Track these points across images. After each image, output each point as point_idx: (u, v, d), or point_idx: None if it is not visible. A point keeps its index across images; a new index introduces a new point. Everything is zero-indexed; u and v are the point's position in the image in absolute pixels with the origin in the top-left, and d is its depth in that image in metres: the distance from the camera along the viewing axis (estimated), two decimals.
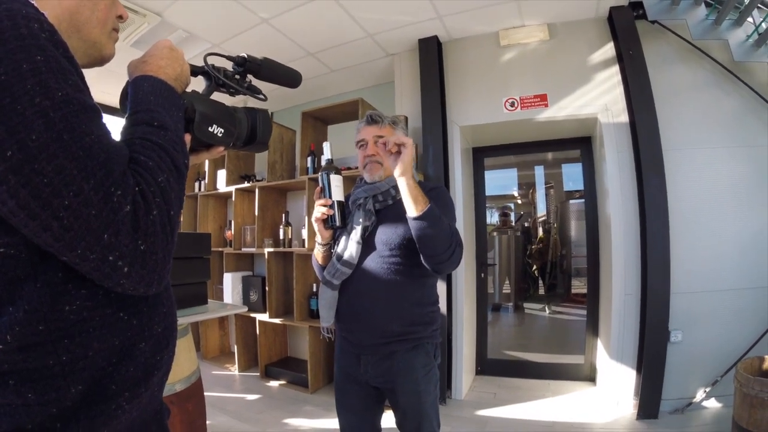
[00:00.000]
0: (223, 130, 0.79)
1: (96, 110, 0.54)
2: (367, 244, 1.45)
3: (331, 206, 1.40)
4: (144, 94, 0.65)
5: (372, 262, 1.43)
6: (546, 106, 3.08)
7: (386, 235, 1.42)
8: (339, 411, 1.58)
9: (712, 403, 2.76)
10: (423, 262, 1.35)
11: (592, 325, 3.51)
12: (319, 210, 1.41)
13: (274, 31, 3.15)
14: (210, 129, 0.77)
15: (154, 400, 0.68)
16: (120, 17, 0.74)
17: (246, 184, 4.03)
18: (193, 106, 0.73)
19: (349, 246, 1.45)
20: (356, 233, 1.45)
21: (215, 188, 4.36)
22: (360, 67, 3.70)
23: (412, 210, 1.28)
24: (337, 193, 1.41)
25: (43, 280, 0.52)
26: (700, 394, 2.74)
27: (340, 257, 1.46)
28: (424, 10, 2.93)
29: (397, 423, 1.51)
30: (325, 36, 3.24)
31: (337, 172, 1.43)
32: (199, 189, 4.55)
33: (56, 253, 0.50)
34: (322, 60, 3.59)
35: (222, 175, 4.30)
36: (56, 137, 0.48)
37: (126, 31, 3.05)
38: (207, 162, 4.29)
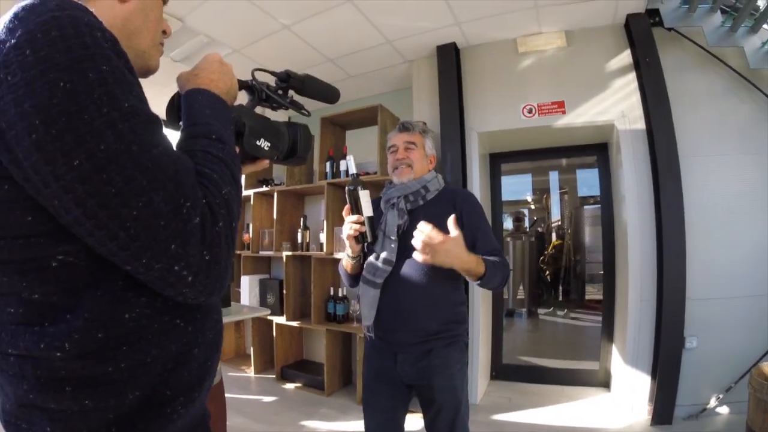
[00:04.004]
0: (269, 144, 0.82)
1: (159, 122, 0.55)
2: (404, 245, 1.48)
3: (363, 222, 1.44)
4: (200, 107, 0.66)
5: (410, 264, 1.47)
6: (564, 113, 3.09)
7: None
8: (367, 410, 1.60)
9: (726, 410, 2.75)
10: None
11: (608, 331, 3.49)
12: (352, 227, 1.44)
13: (294, 37, 3.20)
14: (257, 142, 0.79)
15: (202, 404, 0.69)
16: (164, 32, 0.76)
17: (264, 188, 4.09)
18: (242, 120, 0.76)
19: (386, 245, 1.51)
20: (392, 232, 1.51)
21: None
22: (378, 72, 3.74)
23: (471, 279, 1.38)
24: (368, 209, 1.43)
25: (104, 288, 0.52)
26: (713, 401, 2.73)
27: (379, 256, 1.51)
28: (443, 17, 2.96)
29: (428, 424, 1.53)
30: (345, 42, 3.29)
31: (364, 187, 1.45)
32: None
33: (119, 262, 0.50)
34: (341, 65, 3.65)
35: (241, 179, 4.35)
36: (125, 148, 0.48)
37: None
38: None
